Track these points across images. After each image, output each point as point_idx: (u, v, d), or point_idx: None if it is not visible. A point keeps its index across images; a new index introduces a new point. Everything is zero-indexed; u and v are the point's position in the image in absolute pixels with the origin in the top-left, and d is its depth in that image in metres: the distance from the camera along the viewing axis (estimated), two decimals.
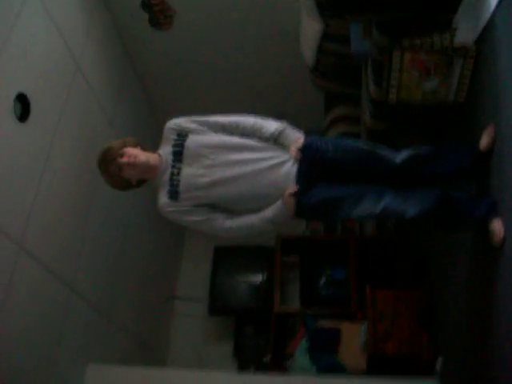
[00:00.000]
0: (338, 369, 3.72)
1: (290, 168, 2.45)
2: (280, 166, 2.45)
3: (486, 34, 2.62)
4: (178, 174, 2.46)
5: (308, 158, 2.45)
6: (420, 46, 2.77)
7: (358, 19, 3.01)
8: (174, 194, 2.46)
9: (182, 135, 2.51)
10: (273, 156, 2.46)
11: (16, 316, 2.67)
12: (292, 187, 2.41)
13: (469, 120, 2.84)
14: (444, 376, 3.22)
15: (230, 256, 4.92)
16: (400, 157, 2.47)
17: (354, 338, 3.82)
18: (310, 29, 3.40)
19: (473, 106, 2.84)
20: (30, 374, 2.80)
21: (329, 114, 4.02)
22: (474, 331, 2.73)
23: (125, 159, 2.41)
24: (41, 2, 2.90)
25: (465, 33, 2.63)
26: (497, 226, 2.27)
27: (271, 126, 2.52)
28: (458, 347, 3.03)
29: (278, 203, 2.43)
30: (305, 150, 2.46)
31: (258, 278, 4.76)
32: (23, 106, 2.75)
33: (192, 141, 2.48)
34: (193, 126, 2.52)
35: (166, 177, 2.48)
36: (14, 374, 2.64)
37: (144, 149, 2.54)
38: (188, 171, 2.46)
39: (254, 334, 4.61)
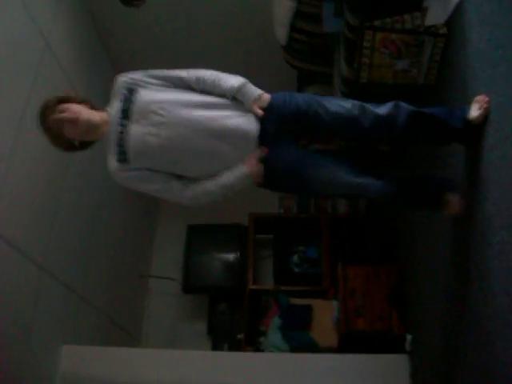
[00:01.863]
0: (310, 346, 3.77)
1: (250, 125, 2.23)
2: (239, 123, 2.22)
3: (457, 16, 2.64)
4: (126, 132, 2.19)
5: (275, 115, 2.24)
6: (391, 25, 2.78)
7: None
8: (122, 157, 2.21)
9: (132, 89, 2.23)
10: (231, 115, 2.22)
11: None
12: (257, 150, 2.22)
13: (439, 103, 2.87)
14: (414, 353, 3.29)
15: (203, 234, 4.93)
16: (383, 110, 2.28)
17: (326, 315, 3.87)
18: (282, 6, 3.38)
19: (442, 88, 2.86)
20: (3, 357, 2.78)
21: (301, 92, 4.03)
22: (443, 308, 2.79)
23: (65, 114, 2.17)
24: None
25: (435, 14, 2.65)
26: (452, 198, 2.28)
27: (229, 80, 2.26)
28: (427, 325, 3.09)
29: (240, 169, 2.22)
30: (271, 108, 2.25)
31: (231, 256, 4.79)
32: None
33: (142, 96, 2.21)
34: (146, 79, 2.26)
35: (113, 136, 2.21)
36: None
37: (93, 107, 2.29)
38: (136, 129, 2.19)
39: (228, 312, 4.64)
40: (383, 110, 2.27)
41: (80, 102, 2.26)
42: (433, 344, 2.96)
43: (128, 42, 4.29)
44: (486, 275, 2.19)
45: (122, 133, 2.19)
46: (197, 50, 4.29)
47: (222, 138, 2.19)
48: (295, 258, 4.60)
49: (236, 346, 4.36)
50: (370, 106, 2.27)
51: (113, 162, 2.23)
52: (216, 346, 4.55)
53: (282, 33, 3.57)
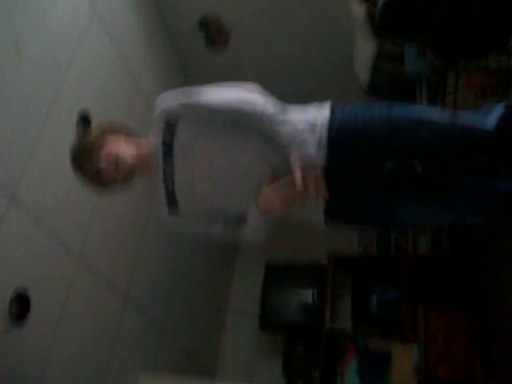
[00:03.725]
0: None
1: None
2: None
3: None
4: (171, 172, 1.86)
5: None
6: (475, 66, 2.74)
7: (413, 39, 3.00)
8: (172, 198, 1.89)
9: (171, 123, 1.85)
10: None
11: (72, 327, 2.76)
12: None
13: None
14: None
15: (281, 272, 4.93)
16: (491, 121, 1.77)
17: (405, 359, 3.76)
18: (365, 48, 3.41)
19: None
20: None
21: None
22: None
23: (103, 165, 1.80)
24: (102, 25, 3.03)
25: None
26: None
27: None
28: None
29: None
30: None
31: (309, 295, 4.75)
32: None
33: (182, 131, 1.83)
34: (182, 110, 1.84)
35: (160, 175, 1.88)
36: None
37: (130, 134, 1.94)
38: (182, 172, 1.85)
39: (304, 351, 4.59)
40: (491, 119, 1.77)
41: (117, 133, 1.91)
42: None
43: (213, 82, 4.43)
44: None
45: (167, 172, 1.87)
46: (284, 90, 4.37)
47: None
48: (374, 298, 4.51)
49: None
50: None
51: (163, 210, 1.94)
52: None
53: (363, 74, 3.59)
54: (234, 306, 5.16)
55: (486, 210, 1.82)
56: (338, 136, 1.77)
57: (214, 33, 3.98)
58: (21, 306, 2.40)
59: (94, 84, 2.97)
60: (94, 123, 1.95)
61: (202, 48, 4.04)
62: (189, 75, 4.34)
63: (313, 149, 1.70)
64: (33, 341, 2.45)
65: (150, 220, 3.64)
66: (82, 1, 2.88)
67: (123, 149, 1.84)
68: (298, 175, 1.65)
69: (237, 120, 1.79)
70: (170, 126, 1.84)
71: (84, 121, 2.85)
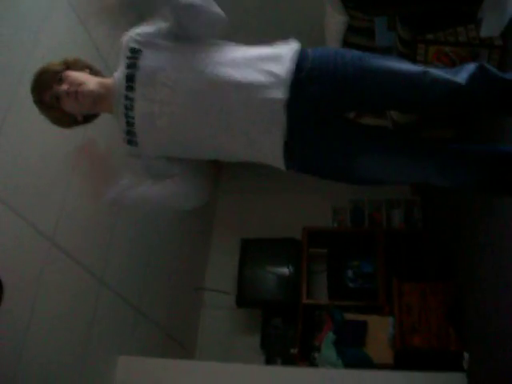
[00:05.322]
0: (365, 362, 3.73)
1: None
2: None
3: None
4: (132, 108, 1.80)
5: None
6: (444, 38, 2.75)
7: (382, 13, 3.00)
8: (132, 137, 1.84)
9: (135, 50, 1.81)
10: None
11: (47, 309, 2.74)
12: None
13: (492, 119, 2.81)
14: (471, 372, 3.21)
15: (257, 248, 4.95)
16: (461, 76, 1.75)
17: (381, 331, 3.82)
18: (335, 21, 3.40)
19: None
20: (61, 367, 2.86)
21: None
22: (503, 326, 2.72)
23: (64, 87, 1.78)
24: (68, 3, 2.96)
25: (490, 26, 2.60)
26: None
27: None
28: (485, 342, 3.01)
29: None
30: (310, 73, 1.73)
31: (285, 270, 4.79)
32: None
33: (144, 61, 1.80)
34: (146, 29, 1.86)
35: (121, 111, 1.82)
36: (46, 367, 2.71)
37: (95, 73, 1.91)
38: (142, 106, 1.79)
39: (282, 326, 4.63)
40: (463, 75, 1.75)
41: (81, 68, 1.88)
42: (491, 362, 2.88)
43: None
44: None
45: (128, 108, 1.81)
46: None
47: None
48: (350, 272, 4.56)
49: (289, 361, 4.35)
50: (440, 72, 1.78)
51: (124, 145, 1.88)
52: (269, 361, 4.54)
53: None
54: (211, 283, 5.18)
55: (453, 172, 1.79)
56: (309, 73, 1.73)
57: None
58: None
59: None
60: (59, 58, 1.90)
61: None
62: None
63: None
64: (7, 325, 2.42)
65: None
66: None
67: (86, 77, 1.83)
68: None
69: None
70: (132, 60, 1.80)
71: None
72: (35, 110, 1.88)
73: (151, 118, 1.77)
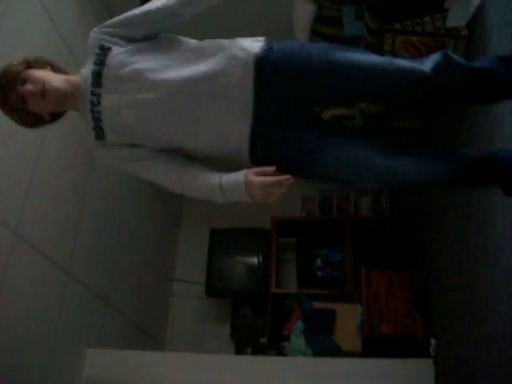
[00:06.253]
0: (333, 350, 3.76)
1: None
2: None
3: (478, 18, 2.61)
4: (98, 103, 1.79)
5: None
6: (411, 28, 2.76)
7: (350, 2, 2.99)
8: (99, 132, 1.83)
9: (104, 48, 1.82)
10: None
11: (13, 302, 2.69)
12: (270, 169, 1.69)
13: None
14: (438, 358, 3.26)
15: (226, 238, 4.95)
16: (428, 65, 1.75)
17: (349, 319, 3.85)
18: (303, 10, 3.39)
19: None
20: (28, 361, 2.83)
21: None
22: (468, 312, 2.76)
23: (28, 87, 1.74)
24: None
25: (456, 16, 2.62)
26: None
27: None
28: (451, 329, 3.06)
29: (239, 179, 1.72)
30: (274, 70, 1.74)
31: (254, 260, 4.80)
32: None
33: (111, 58, 1.80)
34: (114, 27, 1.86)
35: (87, 107, 1.81)
36: (12, 361, 2.66)
37: (57, 69, 1.87)
38: (109, 100, 1.79)
39: (251, 316, 4.65)
40: (428, 64, 1.75)
41: (43, 66, 1.84)
42: (457, 348, 2.93)
43: None
44: None
45: (94, 103, 1.80)
46: None
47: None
48: (318, 261, 4.59)
49: (259, 350, 4.36)
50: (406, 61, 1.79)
51: (91, 139, 1.85)
52: (239, 350, 4.55)
53: (303, 37, 3.57)
54: (180, 273, 5.16)
55: (424, 164, 1.79)
56: (273, 65, 1.73)
57: None
58: None
59: (23, 50, 2.83)
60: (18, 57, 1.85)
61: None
62: None
63: None
64: None
65: (90, 188, 3.56)
66: None
67: (49, 74, 1.81)
68: (291, 181, 1.66)
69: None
70: (100, 57, 1.81)
71: None
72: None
73: (118, 112, 1.77)
